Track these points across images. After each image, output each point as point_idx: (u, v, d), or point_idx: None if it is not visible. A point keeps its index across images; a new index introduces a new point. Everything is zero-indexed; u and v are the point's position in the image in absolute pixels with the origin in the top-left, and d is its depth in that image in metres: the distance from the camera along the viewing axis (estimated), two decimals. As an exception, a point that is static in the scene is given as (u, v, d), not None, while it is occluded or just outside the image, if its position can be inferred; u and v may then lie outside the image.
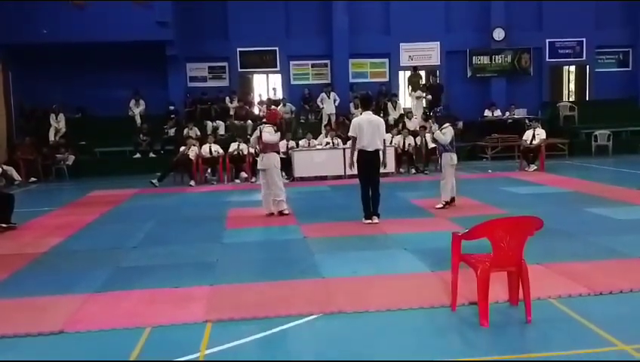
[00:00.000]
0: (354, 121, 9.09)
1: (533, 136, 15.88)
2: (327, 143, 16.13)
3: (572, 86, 22.66)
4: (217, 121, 19.00)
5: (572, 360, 4.04)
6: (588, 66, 22.04)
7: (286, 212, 9.84)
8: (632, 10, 21.44)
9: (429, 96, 19.86)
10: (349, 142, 9.50)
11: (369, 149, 8.74)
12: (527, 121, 18.58)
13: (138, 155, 18.15)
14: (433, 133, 10.09)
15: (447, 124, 10.08)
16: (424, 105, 19.60)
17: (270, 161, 9.73)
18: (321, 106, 19.44)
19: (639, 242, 7.26)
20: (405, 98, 21.32)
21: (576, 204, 10.20)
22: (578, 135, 19.81)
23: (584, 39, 21.63)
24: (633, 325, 4.65)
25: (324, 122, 18.81)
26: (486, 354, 4.20)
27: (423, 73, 20.95)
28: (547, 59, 21.81)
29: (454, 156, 10.05)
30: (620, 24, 21.66)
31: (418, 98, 19.76)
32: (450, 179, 10.01)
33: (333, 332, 4.68)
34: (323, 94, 19.46)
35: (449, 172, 10.00)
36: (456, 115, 10.29)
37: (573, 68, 22.39)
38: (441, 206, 9.94)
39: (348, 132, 9.47)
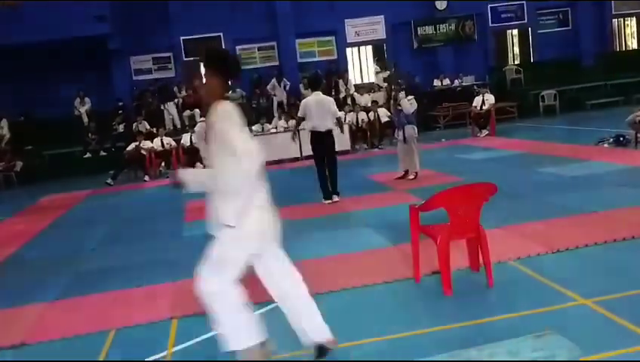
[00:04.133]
0: (303, 102, 9.16)
1: (483, 102, 16.13)
2: (285, 128, 16.02)
3: (516, 49, 23.05)
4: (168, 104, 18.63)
5: (535, 319, 4.13)
6: (530, 28, 22.41)
7: None
8: (568, -32, 21.87)
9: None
10: (303, 123, 9.48)
11: (320, 130, 8.72)
12: (475, 88, 18.85)
13: (88, 155, 17.68)
14: (399, 101, 10.02)
15: (411, 97, 10.19)
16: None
17: None
18: (273, 94, 19.18)
19: (589, 197, 7.49)
20: (355, 74, 21.36)
21: (528, 165, 10.42)
22: (526, 97, 20.19)
23: (524, 2, 21.96)
24: (590, 279, 4.79)
25: (276, 106, 18.66)
26: (451, 322, 4.26)
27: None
28: (490, 25, 22.09)
29: (416, 128, 10.17)
30: (558, -17, 22.07)
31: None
32: (417, 151, 10.16)
33: (300, 316, 4.67)
34: (274, 81, 19.23)
35: (415, 144, 10.13)
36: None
37: (516, 31, 22.75)
38: (414, 176, 10.10)
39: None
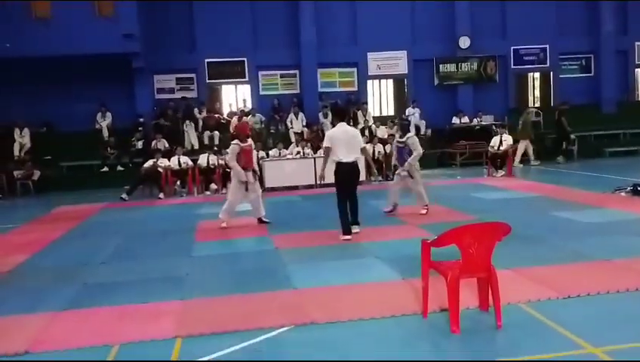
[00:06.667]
0: (328, 133, 8.93)
1: (501, 142, 16.11)
2: (298, 153, 16.12)
3: (537, 92, 23.06)
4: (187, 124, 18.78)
5: (542, 364, 4.08)
6: (552, 73, 22.44)
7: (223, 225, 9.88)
8: (593, 16, 21.89)
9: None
10: (322, 152, 9.31)
11: (346, 160, 8.42)
12: (494, 128, 18.83)
13: (106, 169, 17.89)
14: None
15: (410, 134, 10.25)
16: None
17: None
18: (290, 127, 19.25)
19: (604, 244, 7.40)
20: (374, 106, 21.49)
21: (543, 208, 10.34)
22: (544, 140, 20.13)
23: (547, 46, 22.05)
24: (601, 327, 4.71)
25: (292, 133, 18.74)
26: (457, 361, 4.21)
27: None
28: (512, 66, 22.15)
29: (407, 165, 10.20)
30: (582, 31, 22.11)
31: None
32: (422, 183, 10.23)
33: (305, 344, 4.64)
34: (292, 115, 19.36)
35: (418, 176, 10.25)
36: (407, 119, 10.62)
37: (537, 74, 22.79)
38: (426, 211, 10.14)
39: (320, 141, 9.47)
